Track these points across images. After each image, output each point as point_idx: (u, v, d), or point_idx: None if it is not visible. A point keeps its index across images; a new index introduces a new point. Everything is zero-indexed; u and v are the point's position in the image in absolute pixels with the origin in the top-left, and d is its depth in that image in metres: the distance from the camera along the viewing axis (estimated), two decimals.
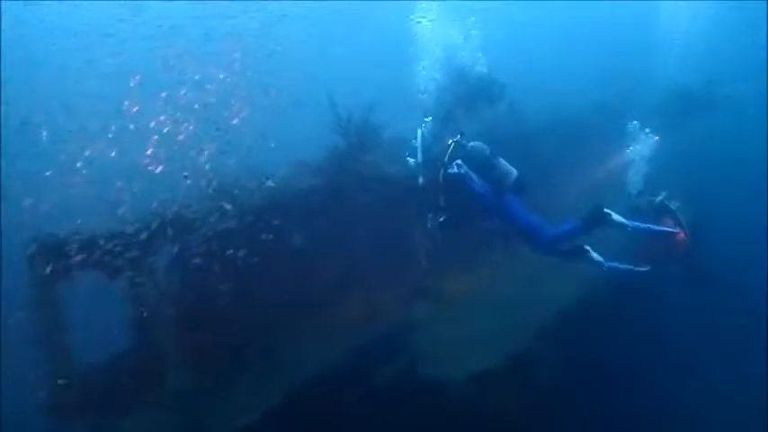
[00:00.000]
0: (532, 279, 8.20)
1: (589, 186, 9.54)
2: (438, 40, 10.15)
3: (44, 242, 6.64)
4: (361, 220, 8.24)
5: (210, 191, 7.45)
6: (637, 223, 6.97)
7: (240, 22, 17.47)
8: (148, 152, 7.79)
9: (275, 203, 7.71)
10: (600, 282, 7.52)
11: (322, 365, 6.89)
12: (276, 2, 18.14)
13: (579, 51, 21.80)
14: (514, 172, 6.75)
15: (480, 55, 10.55)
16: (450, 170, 6.67)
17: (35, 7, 15.11)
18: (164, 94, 8.77)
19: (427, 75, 9.45)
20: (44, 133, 9.46)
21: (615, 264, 6.83)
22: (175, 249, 7.08)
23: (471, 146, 6.84)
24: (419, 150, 7.03)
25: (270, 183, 7.70)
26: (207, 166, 7.75)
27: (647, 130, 8.73)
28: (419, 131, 7.12)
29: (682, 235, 7.52)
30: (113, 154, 8.27)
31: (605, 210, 6.66)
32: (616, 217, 6.68)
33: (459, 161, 6.71)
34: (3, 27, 14.02)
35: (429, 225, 6.74)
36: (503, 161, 6.78)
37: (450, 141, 6.90)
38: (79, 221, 6.83)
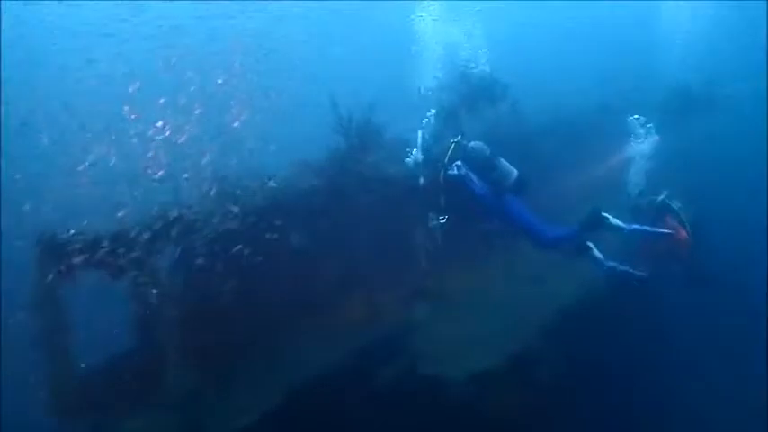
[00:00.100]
0: (533, 278, 8.22)
1: (589, 186, 9.55)
2: (438, 39, 10.17)
3: (48, 242, 6.67)
4: (363, 221, 8.24)
5: (212, 192, 7.46)
6: (634, 226, 7.02)
7: (240, 23, 17.48)
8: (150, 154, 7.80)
9: (277, 204, 7.72)
10: (600, 281, 7.53)
11: (322, 365, 6.89)
12: (276, 2, 18.15)
13: (579, 51, 21.80)
14: (515, 172, 6.76)
15: (480, 54, 10.56)
16: (450, 171, 6.68)
17: (35, 7, 15.11)
18: (163, 97, 8.79)
19: (428, 74, 9.47)
20: (44, 138, 9.47)
21: (614, 264, 6.85)
22: (178, 250, 7.09)
23: (472, 146, 6.85)
24: (419, 151, 7.05)
25: (272, 183, 7.71)
26: (209, 168, 7.77)
27: (647, 128, 8.73)
28: (419, 132, 7.13)
29: (684, 234, 7.51)
30: (113, 159, 8.28)
31: (603, 214, 6.72)
32: (613, 221, 6.75)
33: (459, 162, 6.72)
34: (3, 27, 14.01)
35: (429, 225, 6.76)
36: (503, 161, 6.79)
37: (451, 142, 6.91)
38: (85, 222, 6.84)
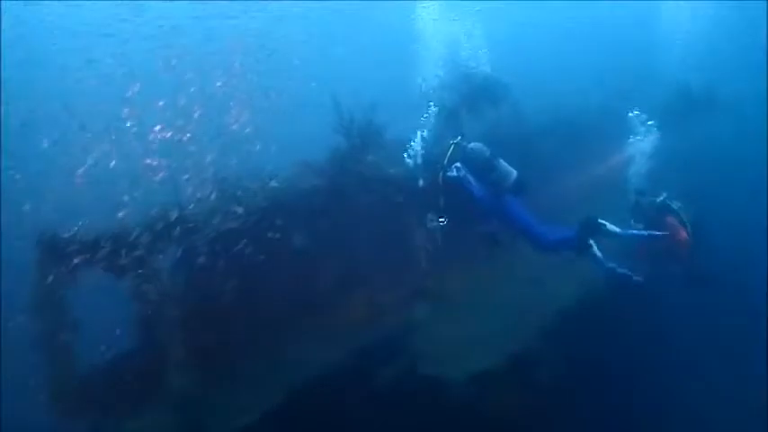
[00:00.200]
0: (533, 279, 8.21)
1: (589, 186, 9.55)
2: (439, 38, 10.17)
3: (48, 243, 6.67)
4: (363, 221, 8.24)
5: (212, 192, 7.46)
6: (631, 231, 7.05)
7: (240, 23, 17.49)
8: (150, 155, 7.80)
9: (277, 203, 7.72)
10: (600, 281, 7.53)
11: (323, 365, 6.90)
12: (276, 2, 18.15)
13: (579, 51, 21.80)
14: (514, 173, 6.75)
15: (480, 54, 10.57)
16: (448, 173, 6.67)
17: (35, 7, 15.10)
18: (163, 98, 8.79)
19: (429, 74, 9.47)
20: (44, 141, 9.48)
21: (614, 265, 6.85)
22: (179, 250, 7.10)
23: (471, 147, 6.84)
24: (419, 148, 7.04)
25: (273, 183, 7.71)
26: (210, 168, 7.77)
27: (647, 126, 8.74)
28: (419, 133, 7.13)
29: (684, 235, 7.51)
30: (113, 159, 8.28)
31: (599, 221, 6.73)
32: (610, 227, 6.76)
33: (458, 164, 6.71)
34: (3, 27, 14.01)
35: (428, 226, 6.76)
36: (503, 162, 6.78)
37: (451, 143, 6.90)
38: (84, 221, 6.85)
